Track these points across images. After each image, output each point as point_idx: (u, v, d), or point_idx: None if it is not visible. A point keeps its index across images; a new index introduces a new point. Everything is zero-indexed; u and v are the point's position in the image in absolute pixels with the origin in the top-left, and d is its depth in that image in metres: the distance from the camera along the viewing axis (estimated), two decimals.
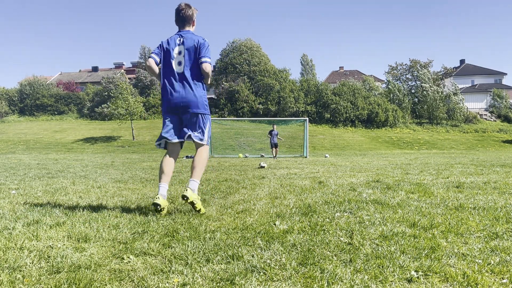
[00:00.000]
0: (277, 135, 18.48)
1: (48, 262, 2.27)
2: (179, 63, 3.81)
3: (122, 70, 58.12)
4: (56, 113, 45.34)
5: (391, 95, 45.70)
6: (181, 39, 3.84)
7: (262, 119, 35.39)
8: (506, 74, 57.96)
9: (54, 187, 5.82)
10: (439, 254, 2.37)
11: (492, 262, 2.23)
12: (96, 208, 3.90)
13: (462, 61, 61.36)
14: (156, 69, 3.88)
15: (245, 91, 42.65)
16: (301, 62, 57.19)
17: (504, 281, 1.98)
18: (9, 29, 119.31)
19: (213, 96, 47.71)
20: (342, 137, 36.98)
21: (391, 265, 2.17)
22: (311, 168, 10.10)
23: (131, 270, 2.14)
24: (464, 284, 1.94)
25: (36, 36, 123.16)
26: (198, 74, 3.83)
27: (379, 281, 1.99)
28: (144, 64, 50.09)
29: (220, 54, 48.52)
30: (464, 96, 45.72)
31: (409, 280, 2.00)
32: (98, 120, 42.74)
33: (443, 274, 2.06)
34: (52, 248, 2.53)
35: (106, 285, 1.96)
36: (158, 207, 3.53)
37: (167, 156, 3.88)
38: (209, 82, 3.94)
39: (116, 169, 9.75)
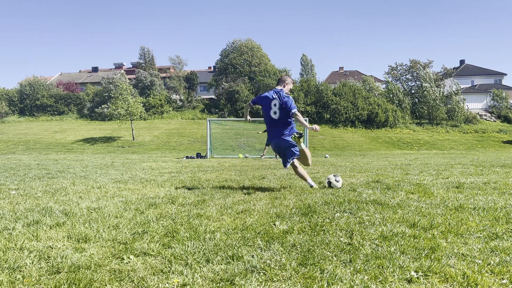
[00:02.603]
0: None
1: (48, 262, 2.27)
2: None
3: (122, 71, 58.15)
4: (56, 113, 45.33)
5: (391, 95, 45.71)
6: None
7: (262, 119, 35.37)
8: (506, 74, 57.99)
9: (54, 187, 5.82)
10: (439, 254, 2.37)
11: (492, 262, 2.23)
12: (96, 208, 3.90)
13: (462, 61, 61.36)
14: None
15: (245, 91, 42.64)
16: (301, 62, 57.22)
17: (504, 281, 1.98)
18: (9, 29, 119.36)
19: (213, 96, 47.72)
20: (342, 137, 36.98)
21: (391, 266, 2.17)
22: (311, 168, 10.10)
23: (131, 270, 2.14)
24: (464, 285, 1.94)
25: (36, 36, 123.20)
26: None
27: (379, 281, 1.99)
28: (144, 65, 50.16)
29: (220, 55, 48.50)
30: (464, 97, 45.72)
31: (409, 281, 2.00)
32: (98, 120, 42.73)
33: (443, 274, 2.06)
34: (52, 248, 2.53)
35: (106, 285, 1.96)
36: None
37: None
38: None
39: (116, 170, 9.75)
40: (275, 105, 5.47)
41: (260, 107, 5.69)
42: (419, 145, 35.03)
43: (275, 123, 5.53)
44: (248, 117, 6.10)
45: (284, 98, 5.47)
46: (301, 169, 5.65)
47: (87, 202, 4.36)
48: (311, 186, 5.49)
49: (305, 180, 5.61)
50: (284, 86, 5.67)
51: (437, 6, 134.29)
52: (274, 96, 5.49)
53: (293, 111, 5.42)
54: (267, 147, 18.44)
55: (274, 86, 5.77)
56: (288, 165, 5.54)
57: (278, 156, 5.77)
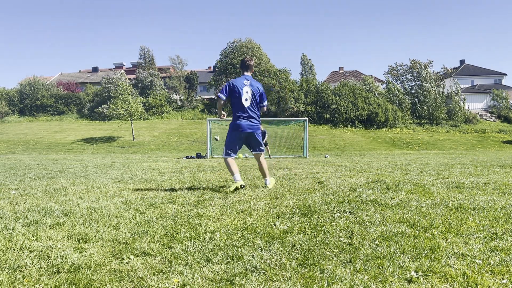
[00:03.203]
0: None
1: (48, 262, 2.27)
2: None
3: (122, 71, 58.17)
4: (56, 113, 45.33)
5: (391, 95, 45.71)
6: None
7: (262, 119, 35.32)
8: (506, 74, 58.01)
9: (54, 187, 5.82)
10: (439, 254, 2.37)
11: (492, 262, 2.23)
12: (96, 208, 3.90)
13: (462, 61, 61.38)
14: None
15: None
16: (301, 62, 57.25)
17: (504, 281, 1.98)
18: (9, 29, 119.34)
19: (213, 96, 47.70)
20: (342, 137, 36.98)
21: (391, 266, 2.17)
22: (311, 168, 10.11)
23: (131, 271, 2.14)
24: (464, 285, 1.94)
25: (36, 36, 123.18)
26: None
27: (379, 281, 1.99)
28: (144, 65, 50.15)
29: (220, 54, 48.49)
30: (465, 96, 45.71)
31: (409, 281, 2.00)
32: (98, 120, 42.73)
33: (443, 274, 2.06)
34: (52, 248, 2.53)
35: (106, 285, 1.96)
36: None
37: None
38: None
39: (116, 170, 9.75)
40: (247, 92, 5.36)
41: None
42: (419, 145, 35.03)
43: (246, 111, 5.38)
44: (223, 113, 5.66)
45: (260, 88, 5.49)
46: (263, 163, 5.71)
47: (87, 202, 4.36)
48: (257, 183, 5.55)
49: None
50: (251, 72, 5.57)
51: (437, 6, 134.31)
52: (245, 83, 5.39)
53: (265, 103, 5.50)
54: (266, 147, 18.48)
55: (242, 72, 5.56)
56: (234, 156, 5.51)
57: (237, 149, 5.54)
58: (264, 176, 5.75)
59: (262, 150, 5.68)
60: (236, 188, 5.22)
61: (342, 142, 34.72)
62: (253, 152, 5.72)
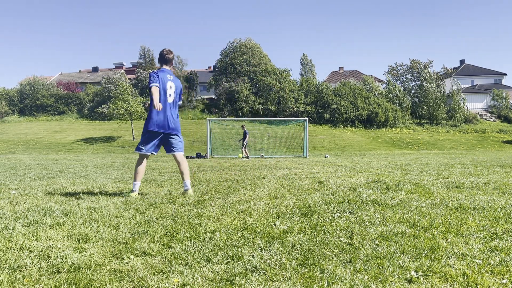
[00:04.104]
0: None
1: (48, 262, 2.27)
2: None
3: (122, 71, 58.11)
4: (56, 113, 45.32)
5: (391, 95, 45.70)
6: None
7: (262, 119, 35.39)
8: (506, 74, 57.95)
9: (54, 187, 5.82)
10: (439, 254, 2.37)
11: (492, 262, 2.23)
12: (96, 208, 3.90)
13: (462, 61, 61.35)
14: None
15: (245, 91, 42.62)
16: (301, 62, 57.23)
17: (504, 281, 1.98)
18: (9, 29, 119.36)
19: (213, 96, 47.69)
20: (342, 137, 36.98)
21: (391, 265, 2.17)
22: (311, 168, 10.10)
23: (131, 270, 2.14)
24: (464, 284, 1.94)
25: (36, 36, 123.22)
26: None
27: (379, 281, 1.99)
28: (144, 65, 50.12)
29: (220, 54, 48.52)
30: (464, 96, 45.71)
31: (409, 280, 2.00)
32: (98, 120, 42.72)
33: (443, 274, 2.06)
34: (52, 248, 2.53)
35: (106, 285, 1.96)
36: None
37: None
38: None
39: (116, 170, 9.75)
40: (170, 87, 4.99)
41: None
42: (419, 145, 35.03)
43: (170, 108, 4.97)
44: (159, 104, 4.78)
45: (180, 85, 5.17)
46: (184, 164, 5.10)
47: (87, 202, 4.36)
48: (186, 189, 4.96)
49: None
50: (171, 66, 5.16)
51: (437, 6, 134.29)
52: (169, 78, 5.00)
53: (180, 102, 5.21)
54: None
55: (161, 66, 5.09)
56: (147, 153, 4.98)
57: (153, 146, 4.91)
58: (183, 178, 5.03)
59: (180, 150, 5.10)
60: (127, 195, 4.83)
61: (342, 142, 34.72)
62: (168, 153, 5.14)
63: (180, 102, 5.24)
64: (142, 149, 4.99)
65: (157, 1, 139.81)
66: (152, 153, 5.04)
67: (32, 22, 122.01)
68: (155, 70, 5.01)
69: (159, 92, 4.84)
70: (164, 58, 5.07)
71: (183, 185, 5.16)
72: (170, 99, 4.98)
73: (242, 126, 19.61)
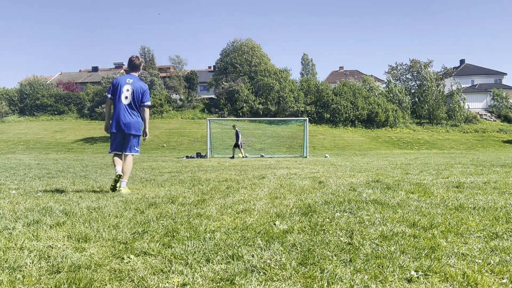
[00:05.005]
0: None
1: (48, 262, 2.27)
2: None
3: (122, 70, 58.07)
4: (56, 113, 45.31)
5: (391, 95, 45.69)
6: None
7: (262, 119, 35.38)
8: (506, 74, 57.92)
9: (54, 187, 5.82)
10: (439, 254, 2.37)
11: (492, 262, 2.23)
12: (96, 208, 3.90)
13: (462, 61, 61.33)
14: None
15: (245, 91, 42.61)
16: (301, 62, 57.21)
17: (504, 281, 1.98)
18: (9, 29, 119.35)
19: (213, 96, 47.67)
20: (342, 137, 36.97)
21: (391, 265, 2.17)
22: (311, 168, 10.11)
23: (131, 270, 2.14)
24: (464, 284, 1.94)
25: (36, 36, 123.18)
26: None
27: (379, 281, 1.99)
28: (144, 65, 50.10)
29: (220, 54, 48.47)
30: (465, 96, 45.69)
31: (409, 280, 2.00)
32: (98, 120, 42.69)
33: (443, 274, 2.06)
34: (52, 248, 2.54)
35: (106, 285, 1.96)
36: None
37: None
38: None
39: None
40: (127, 90, 5.31)
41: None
42: (419, 144, 35.02)
43: (126, 109, 5.30)
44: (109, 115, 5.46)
45: (143, 87, 5.40)
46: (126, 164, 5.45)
47: (87, 201, 4.37)
48: (115, 188, 5.26)
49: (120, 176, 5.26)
50: (138, 73, 5.51)
51: (437, 6, 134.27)
52: (128, 81, 5.34)
53: (147, 103, 5.40)
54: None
55: (129, 71, 5.51)
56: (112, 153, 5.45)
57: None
58: (121, 177, 5.32)
59: (136, 152, 5.49)
60: (115, 180, 5.21)
61: (342, 141, 34.72)
62: (124, 152, 5.43)
63: (148, 103, 5.43)
64: (110, 150, 5.48)
65: (157, 1, 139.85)
66: (122, 152, 5.41)
67: (32, 22, 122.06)
68: (117, 77, 5.37)
69: (116, 94, 5.31)
70: (131, 64, 5.45)
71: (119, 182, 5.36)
72: (126, 101, 5.31)
73: (234, 126, 19.43)
